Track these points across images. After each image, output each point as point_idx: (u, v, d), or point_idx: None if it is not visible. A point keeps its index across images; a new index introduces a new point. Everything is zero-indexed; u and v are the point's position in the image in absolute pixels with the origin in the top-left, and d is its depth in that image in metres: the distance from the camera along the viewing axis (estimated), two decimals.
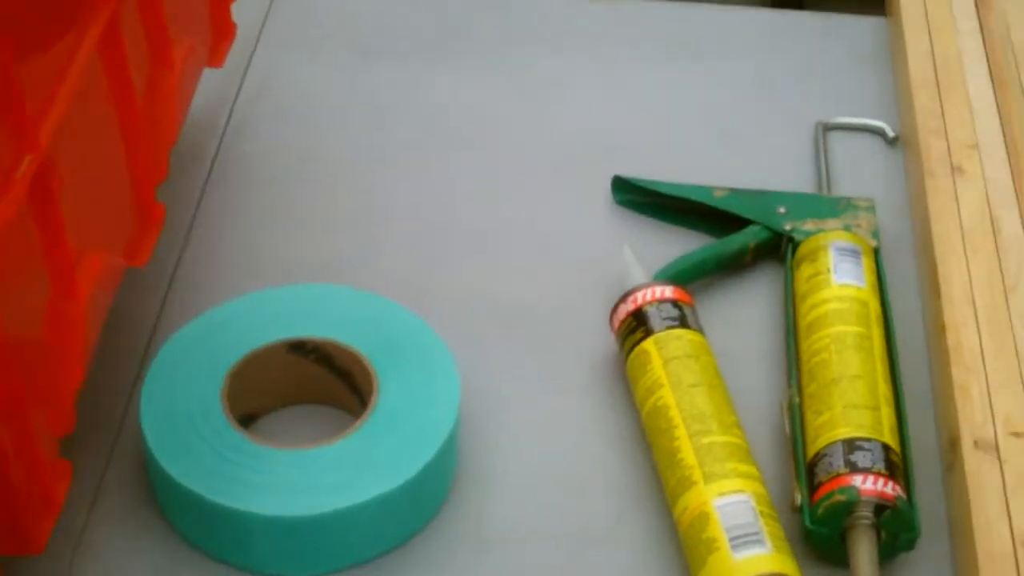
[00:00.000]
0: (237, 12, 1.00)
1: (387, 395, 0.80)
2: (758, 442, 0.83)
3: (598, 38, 1.16)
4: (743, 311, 0.93)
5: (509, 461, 0.84)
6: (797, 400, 0.84)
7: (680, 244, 0.96)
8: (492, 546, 0.79)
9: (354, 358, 0.82)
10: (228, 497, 0.74)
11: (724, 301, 0.94)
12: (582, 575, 0.78)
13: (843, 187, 1.02)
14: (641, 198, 1.00)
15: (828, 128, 1.07)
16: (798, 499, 0.79)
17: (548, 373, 0.89)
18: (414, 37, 1.15)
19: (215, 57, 0.94)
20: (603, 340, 0.89)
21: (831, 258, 0.90)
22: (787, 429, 0.83)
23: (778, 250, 0.95)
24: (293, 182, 1.01)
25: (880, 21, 1.19)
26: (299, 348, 0.83)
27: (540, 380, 0.88)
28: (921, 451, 0.84)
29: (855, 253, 0.90)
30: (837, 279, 0.88)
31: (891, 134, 1.06)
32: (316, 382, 0.84)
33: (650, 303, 0.86)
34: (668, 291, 0.86)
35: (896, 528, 0.77)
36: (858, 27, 1.19)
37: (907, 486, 0.79)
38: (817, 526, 0.77)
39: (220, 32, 0.95)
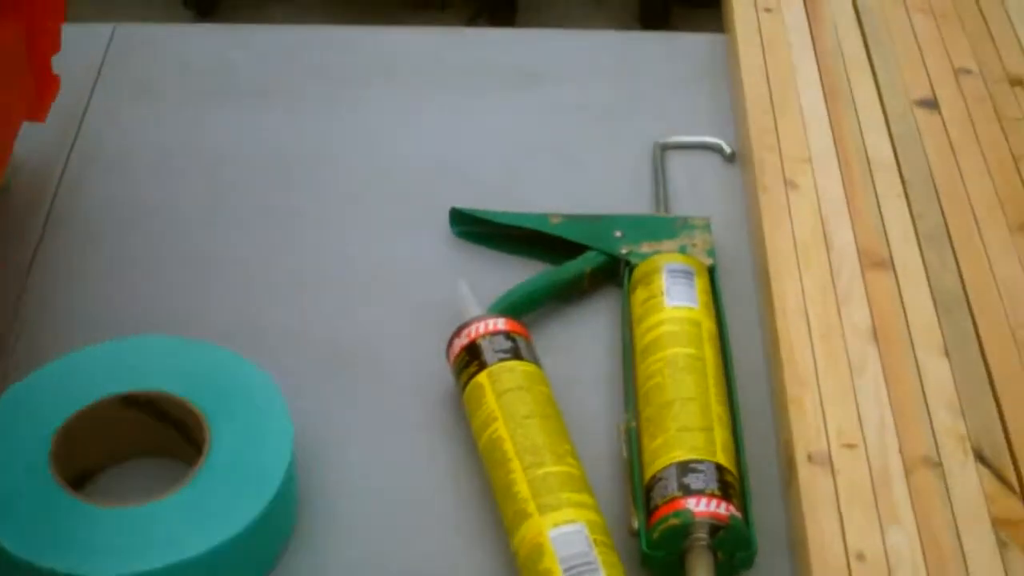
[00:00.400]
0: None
1: (219, 445, 0.79)
2: (599, 468, 0.84)
3: (436, 70, 1.16)
4: (583, 338, 0.94)
5: (350, 502, 0.84)
6: (633, 424, 0.84)
7: (520, 273, 0.96)
8: None
9: (186, 409, 0.81)
10: (56, 561, 0.73)
11: (564, 328, 0.94)
12: None
13: (683, 206, 1.03)
14: (479, 229, 1.00)
15: (666, 148, 1.07)
16: (635, 524, 0.79)
17: (388, 410, 0.89)
18: (250, 79, 1.14)
19: (37, 111, 0.93)
20: (442, 375, 0.89)
21: (664, 281, 0.90)
22: (624, 454, 0.83)
23: (616, 274, 0.95)
24: (129, 233, 1.00)
25: (720, 38, 1.20)
26: (131, 402, 0.82)
27: (380, 418, 0.88)
28: (764, 467, 0.85)
29: (688, 274, 0.91)
30: (670, 302, 0.89)
31: (728, 151, 1.07)
32: (152, 435, 0.83)
33: (483, 336, 0.86)
34: (501, 323, 0.86)
35: (733, 547, 0.77)
36: (699, 45, 1.20)
37: (744, 504, 0.80)
38: (654, 550, 0.78)
39: (42, 86, 0.94)
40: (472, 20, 2.10)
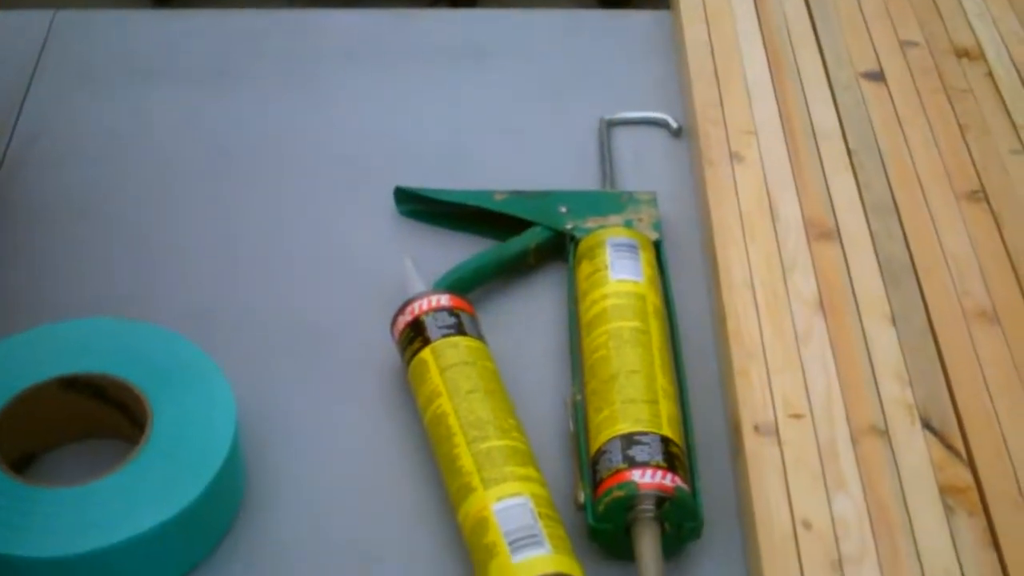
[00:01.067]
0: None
1: (161, 424, 0.79)
2: (546, 443, 0.84)
3: (381, 50, 1.15)
4: (529, 313, 0.93)
5: (297, 480, 0.83)
6: (579, 398, 0.84)
7: (466, 251, 0.95)
8: (281, 567, 0.79)
9: (127, 390, 0.81)
10: None
11: (510, 305, 0.94)
12: None
13: (630, 182, 1.02)
14: (424, 207, 0.99)
15: (612, 124, 1.07)
16: (581, 497, 0.79)
17: (335, 389, 0.88)
18: (194, 62, 1.14)
19: None
20: (388, 352, 0.89)
21: (608, 254, 0.90)
22: (571, 428, 0.83)
23: (562, 250, 0.95)
24: (72, 217, 1.00)
25: (666, 14, 1.20)
26: (72, 384, 0.81)
27: (327, 396, 0.88)
28: (713, 439, 0.85)
29: (632, 248, 0.90)
30: (614, 275, 0.88)
31: (675, 126, 1.07)
32: (94, 417, 0.83)
33: (427, 312, 0.85)
34: (444, 300, 0.86)
35: (679, 518, 0.77)
36: (645, 21, 1.20)
37: (691, 476, 0.79)
38: (600, 523, 0.77)
39: None
40: (434, 2, 2.09)
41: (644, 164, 1.05)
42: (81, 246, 0.98)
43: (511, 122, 1.09)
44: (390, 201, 1.00)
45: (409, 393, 0.86)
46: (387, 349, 0.89)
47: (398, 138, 1.07)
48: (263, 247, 0.98)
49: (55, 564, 0.73)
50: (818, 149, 1.01)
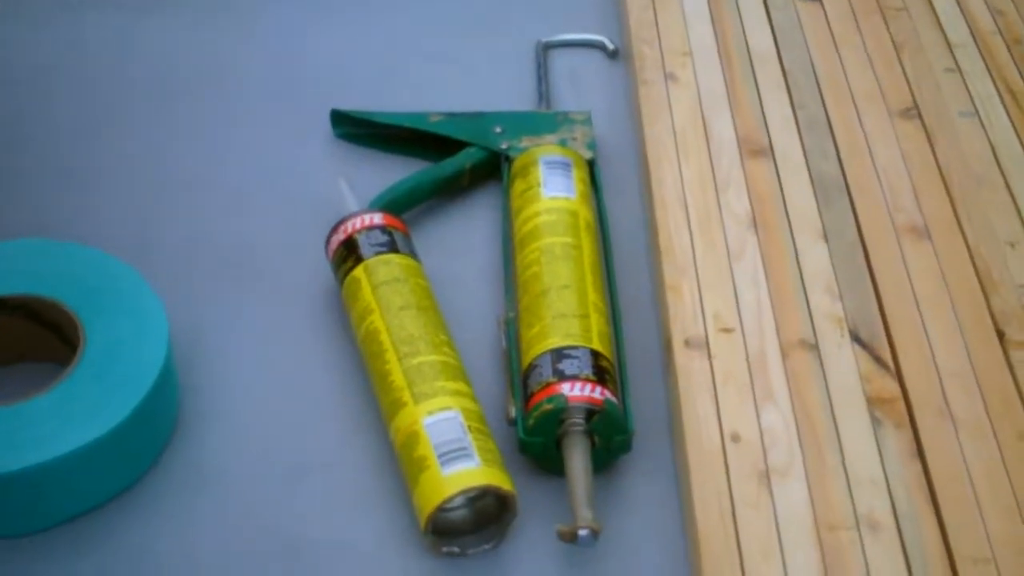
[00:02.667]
0: None
1: (93, 345, 0.79)
2: (480, 362, 0.84)
3: None
4: (464, 234, 0.94)
5: (232, 400, 0.83)
6: (512, 315, 0.84)
7: (401, 173, 0.95)
8: (213, 484, 0.79)
9: (60, 311, 0.81)
10: None
11: (446, 225, 0.94)
12: (303, 503, 0.78)
13: (566, 103, 1.03)
14: (360, 130, 0.99)
15: (549, 46, 1.07)
16: (512, 412, 0.79)
17: (270, 311, 0.89)
18: None
19: None
20: (323, 274, 0.89)
21: (541, 172, 0.90)
22: (503, 345, 0.83)
23: (497, 171, 0.95)
24: (10, 137, 0.99)
25: None
26: (2, 306, 0.81)
27: (262, 318, 0.88)
28: (646, 355, 0.86)
29: (565, 166, 0.91)
30: (546, 192, 0.89)
31: (611, 47, 1.07)
32: (27, 339, 0.83)
33: (360, 231, 0.86)
34: (378, 218, 0.86)
35: (609, 431, 0.78)
36: None
37: (621, 390, 0.80)
38: (531, 436, 0.78)
39: None
40: None
41: (580, 86, 1.05)
42: (10, 175, 0.97)
43: (448, 45, 1.09)
44: (326, 124, 1.00)
45: (344, 314, 0.86)
46: (323, 271, 0.89)
47: (334, 61, 1.07)
48: (197, 171, 0.98)
49: None
50: (753, 70, 1.02)
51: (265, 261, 0.91)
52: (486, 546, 0.76)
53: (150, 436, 0.79)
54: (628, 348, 0.84)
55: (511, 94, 1.04)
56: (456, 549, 0.75)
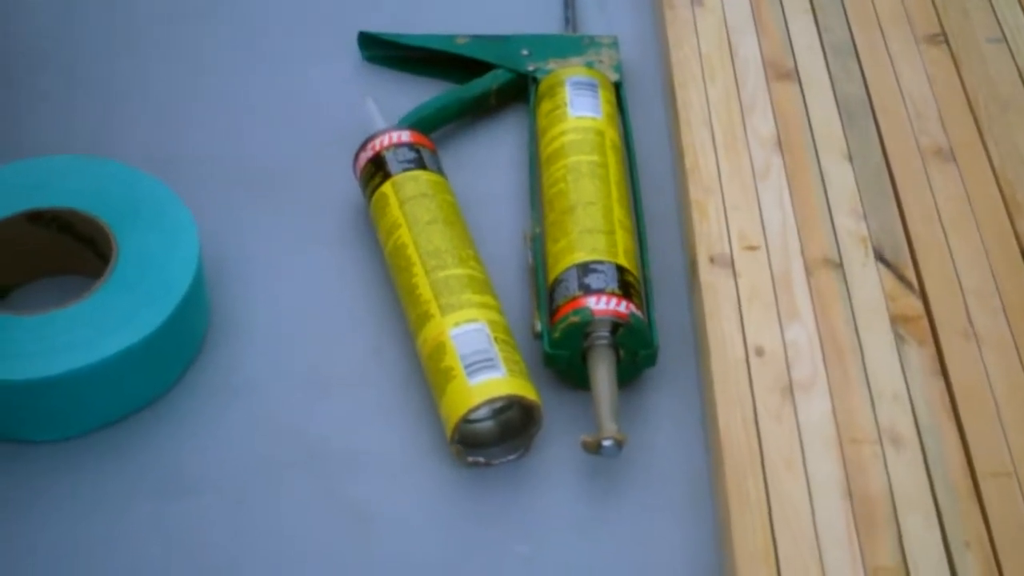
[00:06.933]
0: None
1: (126, 256, 0.80)
2: (505, 276, 0.85)
3: None
4: (491, 154, 0.94)
5: (261, 313, 0.84)
6: (538, 230, 0.85)
7: (429, 94, 0.96)
8: (241, 394, 0.80)
9: (94, 224, 0.82)
10: None
11: (473, 144, 0.95)
12: (330, 414, 0.79)
13: (593, 27, 1.03)
14: (388, 52, 1.00)
15: None
16: (538, 326, 0.80)
17: (299, 227, 0.89)
18: None
19: None
20: (353, 192, 0.90)
21: (567, 92, 0.91)
22: (529, 260, 0.84)
23: (524, 92, 0.96)
24: (34, 58, 1.00)
25: None
26: (37, 219, 0.82)
27: (291, 235, 0.89)
28: (671, 273, 0.86)
29: (592, 86, 0.91)
30: (573, 112, 0.89)
31: None
32: (63, 252, 0.84)
33: (387, 148, 0.86)
34: (405, 135, 0.87)
35: (634, 345, 0.78)
36: None
37: (646, 306, 0.81)
38: (556, 349, 0.79)
39: None
40: None
41: (607, 10, 1.05)
42: (44, 93, 0.98)
43: None
44: (354, 47, 1.01)
45: (372, 231, 0.87)
46: (350, 188, 0.90)
47: None
48: (226, 91, 0.98)
49: (23, 387, 0.74)
50: None
51: (294, 178, 0.92)
52: (511, 457, 0.76)
53: (180, 346, 0.80)
54: (653, 266, 0.84)
55: (538, 18, 1.04)
56: (481, 459, 0.76)
